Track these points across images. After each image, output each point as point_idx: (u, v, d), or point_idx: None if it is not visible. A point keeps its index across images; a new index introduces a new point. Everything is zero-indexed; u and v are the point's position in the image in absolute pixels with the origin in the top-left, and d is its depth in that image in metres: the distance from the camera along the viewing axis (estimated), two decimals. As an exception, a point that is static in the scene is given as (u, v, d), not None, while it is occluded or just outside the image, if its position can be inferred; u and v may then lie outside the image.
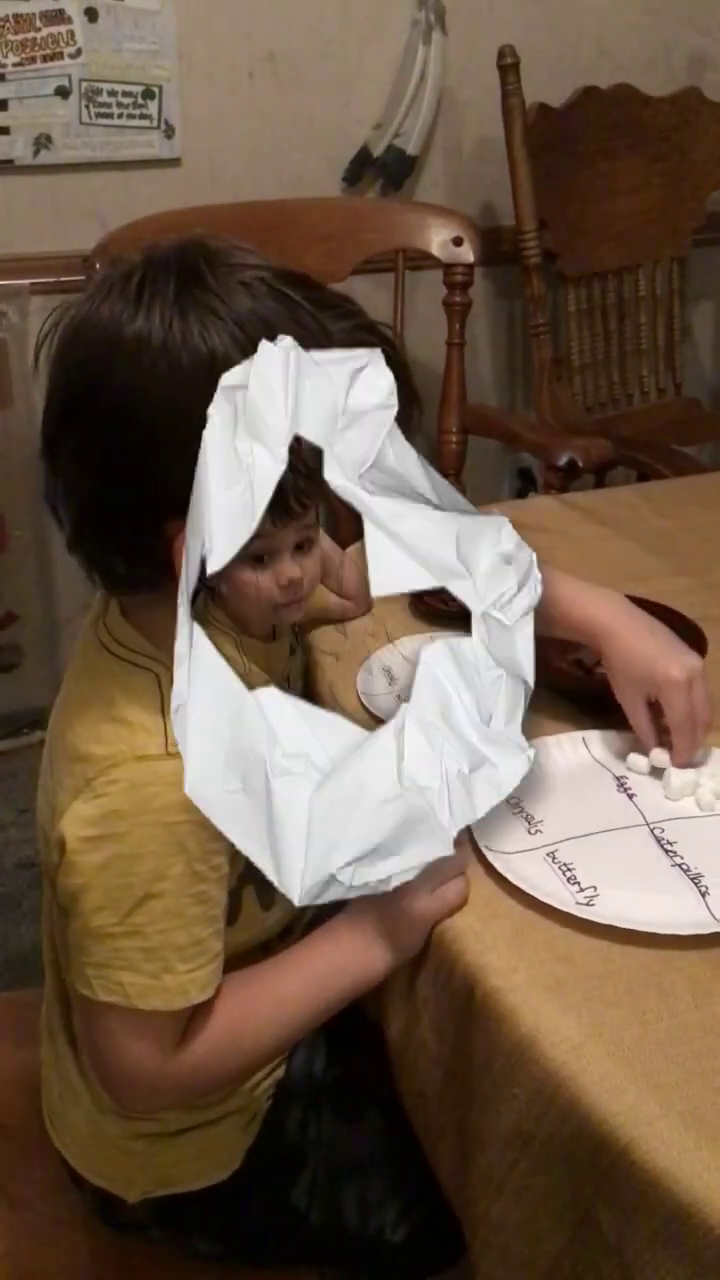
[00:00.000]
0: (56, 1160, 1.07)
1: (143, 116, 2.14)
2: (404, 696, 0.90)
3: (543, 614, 0.96)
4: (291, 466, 0.80)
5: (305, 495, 0.86)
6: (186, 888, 0.85)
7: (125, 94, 2.12)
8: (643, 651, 1.02)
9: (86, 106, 2.10)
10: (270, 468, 0.80)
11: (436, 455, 2.10)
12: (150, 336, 0.79)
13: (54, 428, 0.85)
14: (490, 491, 2.50)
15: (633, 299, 2.33)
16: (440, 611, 1.30)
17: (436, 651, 0.90)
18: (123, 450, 0.81)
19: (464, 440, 2.08)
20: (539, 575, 0.95)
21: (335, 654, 1.25)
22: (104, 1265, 1.08)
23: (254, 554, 0.87)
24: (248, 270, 0.82)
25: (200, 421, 0.78)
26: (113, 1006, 0.86)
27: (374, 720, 1.08)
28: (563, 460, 1.88)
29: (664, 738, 1.04)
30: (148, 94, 2.13)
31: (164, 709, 0.85)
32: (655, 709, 1.03)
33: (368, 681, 1.18)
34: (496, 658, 0.92)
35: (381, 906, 0.91)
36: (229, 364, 0.79)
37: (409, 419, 0.87)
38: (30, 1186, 1.11)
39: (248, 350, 0.79)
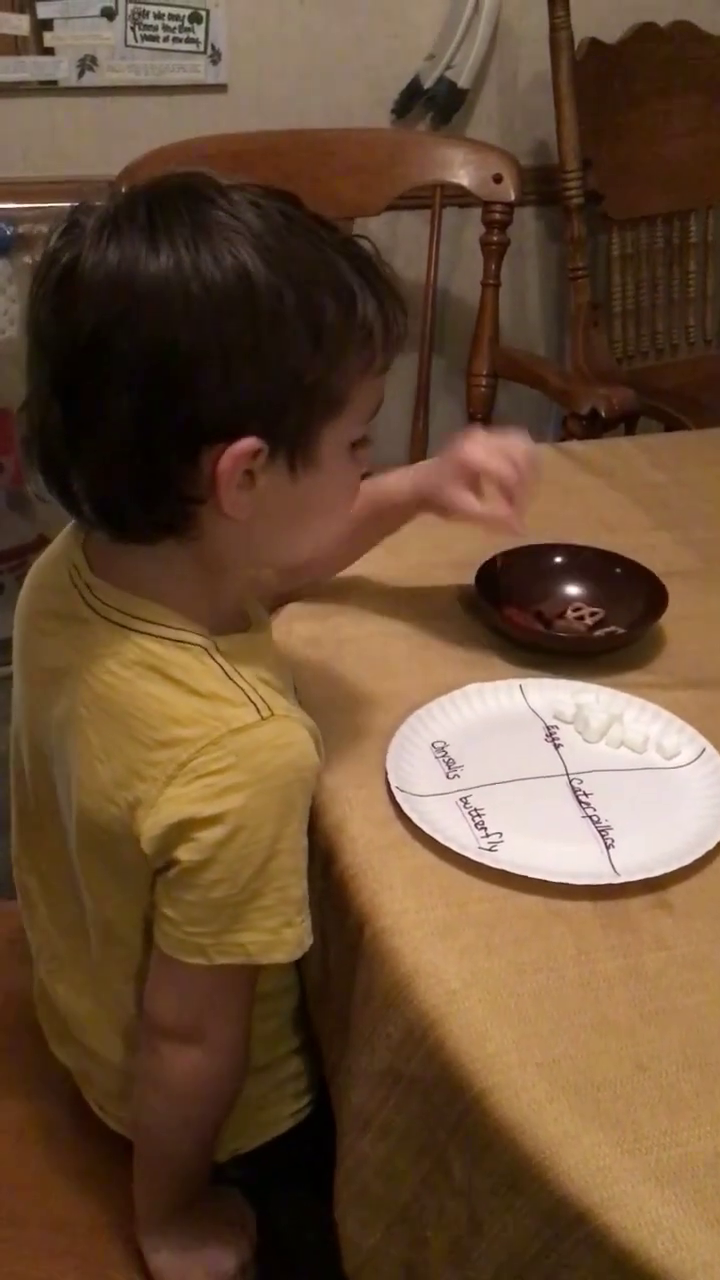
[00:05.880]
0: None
1: (189, 40, 2.11)
2: (480, 816, 0.91)
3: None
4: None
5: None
6: (298, 843, 0.85)
7: (172, 17, 2.08)
8: (434, 461, 1.09)
9: (132, 29, 2.07)
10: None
11: (465, 399, 2.07)
12: (179, 265, 0.75)
13: (69, 378, 0.78)
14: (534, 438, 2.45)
15: (682, 245, 2.26)
16: (537, 638, 1.05)
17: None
18: (159, 387, 0.76)
19: (493, 384, 2.04)
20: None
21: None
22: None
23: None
24: (248, 190, 0.80)
25: (240, 339, 0.76)
26: (221, 968, 0.85)
27: (414, 837, 0.88)
28: (585, 409, 1.84)
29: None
30: (195, 17, 2.09)
31: (230, 675, 0.83)
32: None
33: (404, 765, 0.90)
34: None
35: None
36: (260, 277, 0.76)
37: (400, 331, 0.84)
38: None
39: (272, 263, 0.77)
